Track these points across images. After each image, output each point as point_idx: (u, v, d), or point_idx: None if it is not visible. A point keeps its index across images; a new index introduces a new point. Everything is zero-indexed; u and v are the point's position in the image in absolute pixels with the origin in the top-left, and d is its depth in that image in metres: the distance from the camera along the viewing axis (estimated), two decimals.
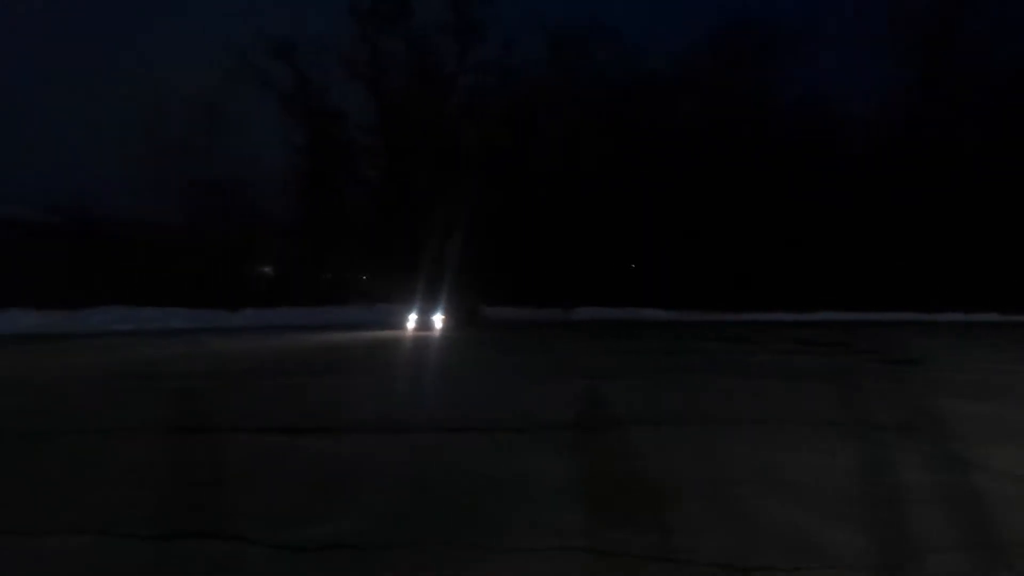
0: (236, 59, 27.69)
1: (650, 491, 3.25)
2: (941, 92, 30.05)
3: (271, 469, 3.59)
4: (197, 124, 26.32)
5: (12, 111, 48.59)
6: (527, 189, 28.88)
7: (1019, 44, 30.33)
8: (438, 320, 16.80)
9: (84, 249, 22.51)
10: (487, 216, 27.97)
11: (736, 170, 28.21)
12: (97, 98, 52.96)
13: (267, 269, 30.08)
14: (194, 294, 21.20)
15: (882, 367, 8.99)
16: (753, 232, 28.11)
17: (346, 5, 28.51)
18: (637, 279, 27.86)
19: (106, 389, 6.60)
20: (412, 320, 16.51)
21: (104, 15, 57.42)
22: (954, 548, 2.57)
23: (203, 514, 2.88)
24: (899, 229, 27.91)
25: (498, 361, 9.76)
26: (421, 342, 12.93)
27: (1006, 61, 29.69)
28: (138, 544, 2.55)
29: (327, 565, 2.39)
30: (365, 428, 4.72)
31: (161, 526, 2.73)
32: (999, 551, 2.56)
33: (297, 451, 4.01)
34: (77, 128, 48.73)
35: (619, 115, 30.54)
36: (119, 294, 18.41)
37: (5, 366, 9.11)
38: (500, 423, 4.83)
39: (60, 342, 12.61)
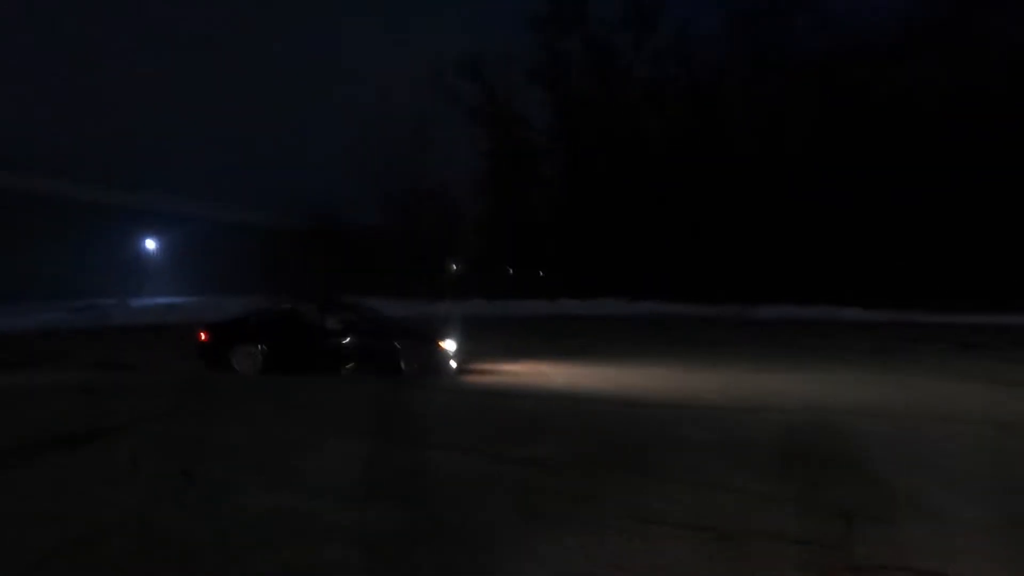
0: (430, 78, 31.30)
1: None
2: None
3: None
4: (403, 140, 30.32)
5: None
6: (718, 176, 27.47)
7: None
8: None
9: (332, 250, 28.08)
10: (671, 207, 27.42)
11: (984, 140, 23.35)
12: (309, 120, 63.69)
13: (454, 266, 33.54)
14: (400, 287, 24.78)
15: None
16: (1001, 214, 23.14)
17: (526, 15, 30.26)
18: (832, 274, 24.80)
19: None
20: None
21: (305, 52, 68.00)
22: None
23: None
24: None
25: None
26: None
27: None
28: None
29: None
30: None
31: None
32: None
33: None
34: (297, 147, 59.19)
35: (823, 91, 27.32)
36: (351, 288, 22.34)
37: None
38: None
39: None
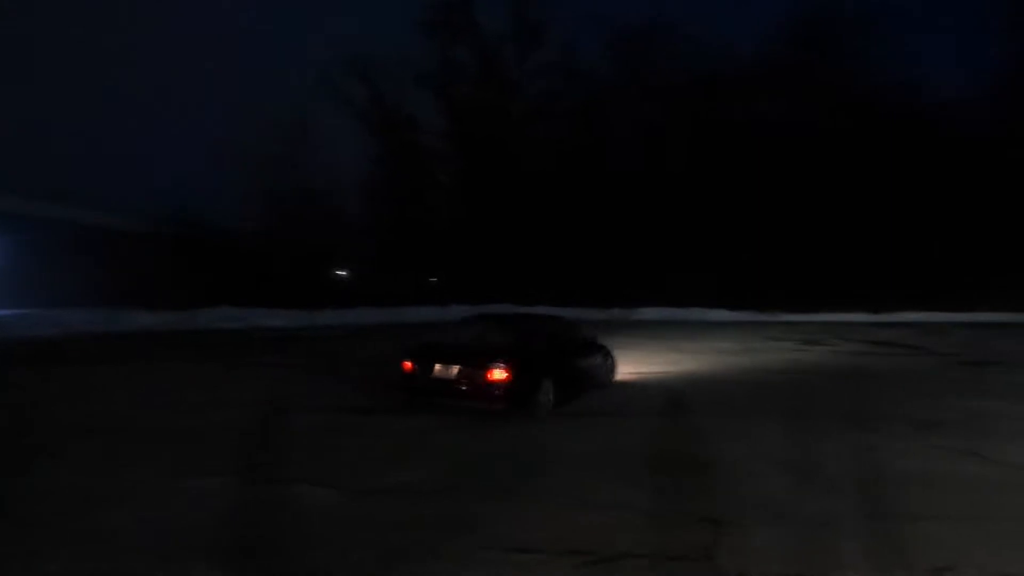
0: (317, 79, 29.79)
1: None
2: None
3: None
4: (283, 139, 28.40)
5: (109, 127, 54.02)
6: (605, 189, 28.83)
7: None
8: None
9: (187, 255, 24.96)
10: (560, 217, 28.34)
11: (831, 162, 26.90)
12: (189, 116, 58.11)
13: (342, 272, 31.94)
14: (279, 295, 22.96)
15: None
16: (843, 228, 26.68)
17: (416, 19, 29.85)
18: (706, 279, 27.11)
19: None
20: None
21: (187, 43, 62.53)
22: None
23: None
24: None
25: None
26: None
27: None
28: None
29: None
30: None
31: None
32: None
33: None
34: (171, 143, 53.63)
35: (698, 113, 29.85)
36: (217, 296, 20.26)
37: None
38: None
39: (181, 338, 14.21)
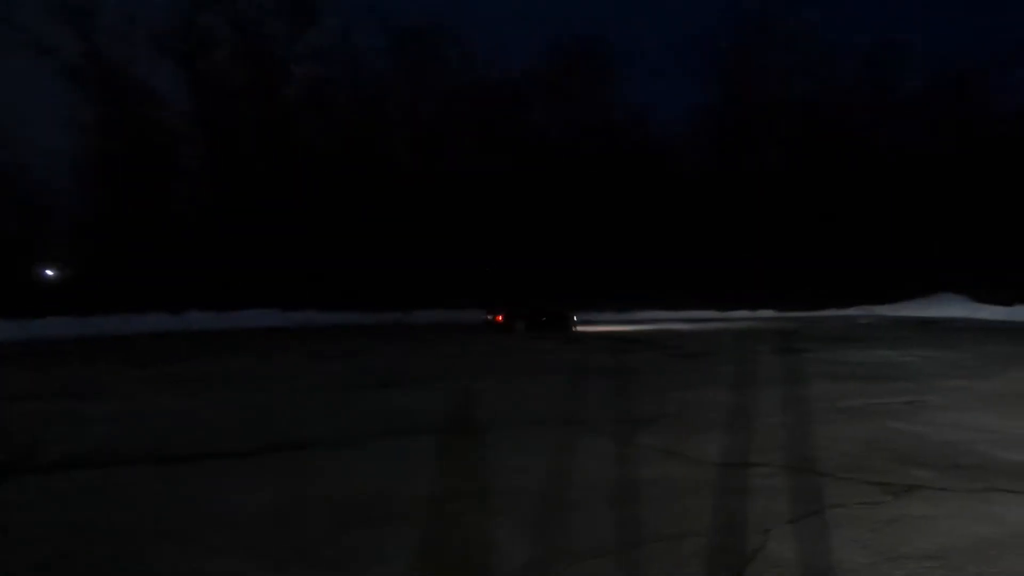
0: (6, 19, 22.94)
1: None
2: (741, 117, 33.68)
3: None
4: None
5: None
6: (381, 186, 27.38)
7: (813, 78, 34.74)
8: None
9: None
10: (332, 214, 26.24)
11: (581, 178, 29.36)
12: None
13: (50, 272, 25.36)
14: None
15: None
16: (587, 238, 29.24)
17: None
18: (485, 283, 27.50)
19: None
20: None
21: None
22: None
23: None
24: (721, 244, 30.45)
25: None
26: None
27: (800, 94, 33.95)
28: None
29: None
30: None
31: None
32: None
33: None
34: None
35: (475, 116, 30.24)
36: None
37: None
38: None
39: None
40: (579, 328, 18.88)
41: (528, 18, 61.27)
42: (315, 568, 2.64)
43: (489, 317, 17.89)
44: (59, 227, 26.28)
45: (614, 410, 6.12)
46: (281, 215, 25.19)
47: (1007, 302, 25.39)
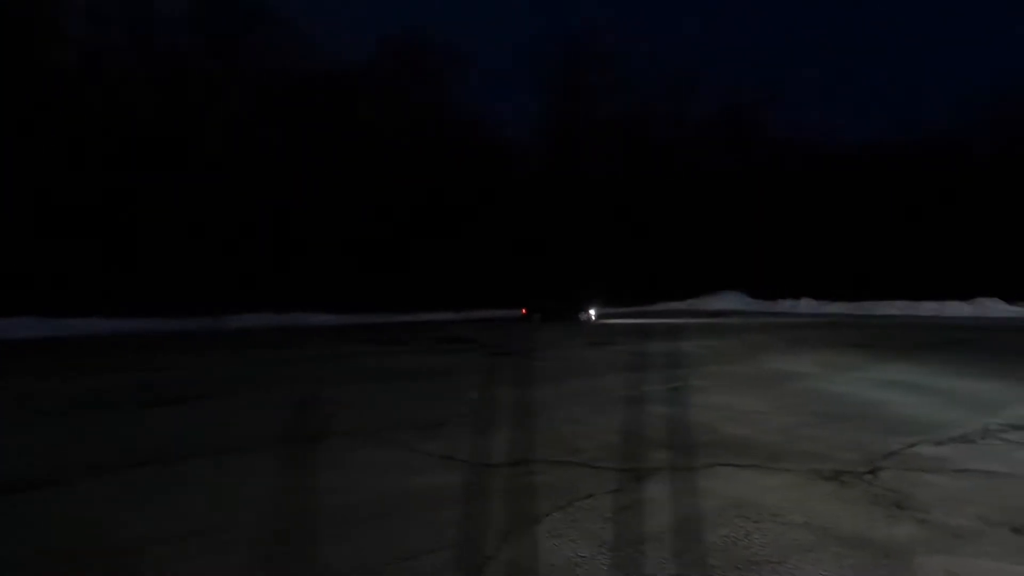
0: None
1: None
2: (568, 126, 36.22)
3: None
4: None
5: None
6: (185, 175, 23.95)
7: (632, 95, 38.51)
8: None
9: None
10: (123, 203, 22.35)
11: (417, 176, 28.93)
12: None
13: None
14: None
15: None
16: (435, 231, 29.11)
17: None
18: (299, 282, 25.71)
19: None
20: None
21: None
22: None
23: None
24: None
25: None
26: None
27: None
28: None
29: None
30: None
31: None
32: None
33: None
34: None
35: (294, 108, 27.99)
36: None
37: None
38: None
39: None
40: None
41: (366, 16, 59.11)
42: None
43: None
44: None
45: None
46: (51, 203, 20.83)
47: (771, 297, 31.05)
